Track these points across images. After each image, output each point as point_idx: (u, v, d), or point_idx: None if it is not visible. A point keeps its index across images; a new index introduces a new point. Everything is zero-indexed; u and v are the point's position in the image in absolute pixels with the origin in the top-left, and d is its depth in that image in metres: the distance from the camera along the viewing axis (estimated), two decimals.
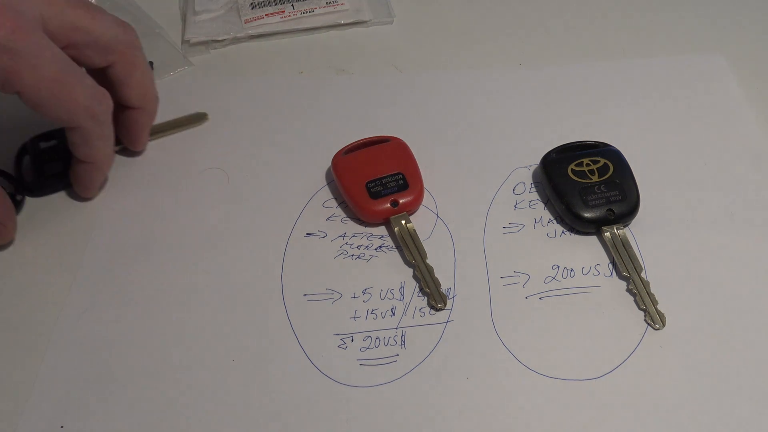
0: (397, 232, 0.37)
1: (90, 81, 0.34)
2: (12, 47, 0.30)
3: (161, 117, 0.43)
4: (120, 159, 0.43)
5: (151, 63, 0.49)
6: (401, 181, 0.38)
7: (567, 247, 0.37)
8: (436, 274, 0.36)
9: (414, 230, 0.37)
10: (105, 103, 0.36)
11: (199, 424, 0.32)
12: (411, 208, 0.38)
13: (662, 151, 0.41)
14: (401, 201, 0.37)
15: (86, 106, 0.34)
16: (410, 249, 0.36)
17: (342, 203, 0.40)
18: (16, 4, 0.31)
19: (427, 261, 0.36)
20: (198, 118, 0.45)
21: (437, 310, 0.35)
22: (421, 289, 0.36)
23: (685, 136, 0.42)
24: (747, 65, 0.47)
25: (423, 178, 0.39)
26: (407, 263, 0.36)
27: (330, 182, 0.41)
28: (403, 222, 0.37)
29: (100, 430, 0.32)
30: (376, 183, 0.38)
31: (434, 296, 0.35)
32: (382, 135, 0.41)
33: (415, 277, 0.36)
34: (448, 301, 0.35)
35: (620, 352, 0.33)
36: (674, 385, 0.32)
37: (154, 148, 0.44)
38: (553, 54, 0.49)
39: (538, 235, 0.38)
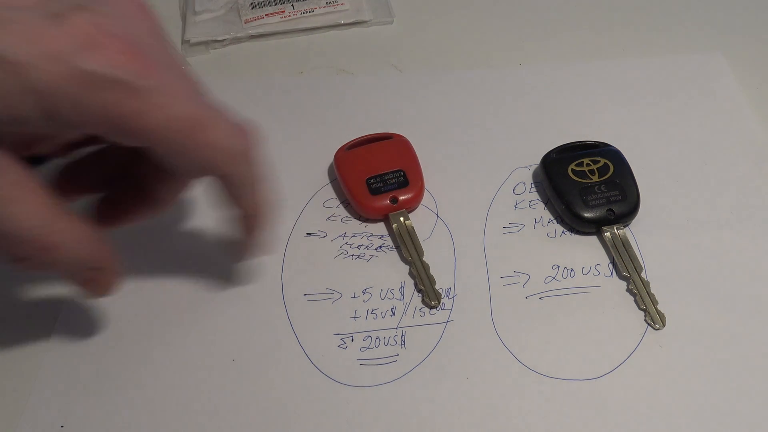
0: (395, 229, 0.37)
1: (229, 118, 0.28)
2: (138, 83, 0.24)
3: None
4: None
5: None
6: (402, 178, 0.38)
7: (567, 247, 0.37)
8: (436, 274, 0.36)
9: (412, 227, 0.37)
10: (249, 141, 0.29)
11: (198, 424, 0.32)
12: (411, 206, 0.38)
13: (662, 151, 0.41)
14: (401, 198, 0.38)
15: (228, 147, 0.28)
16: (407, 246, 0.36)
17: (344, 201, 0.40)
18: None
19: (424, 258, 0.36)
20: None
21: (431, 308, 0.35)
22: (416, 287, 0.36)
23: (685, 136, 0.42)
24: (746, 64, 0.47)
25: (423, 177, 0.39)
26: (406, 261, 0.36)
27: (332, 180, 0.41)
28: (401, 219, 0.37)
29: (100, 430, 0.32)
30: (377, 179, 0.38)
31: (428, 294, 0.35)
32: (385, 132, 0.41)
33: (411, 274, 0.36)
34: (443, 299, 0.35)
35: (620, 352, 0.33)
36: (674, 385, 0.32)
37: None
38: (553, 54, 0.49)
39: (538, 235, 0.38)
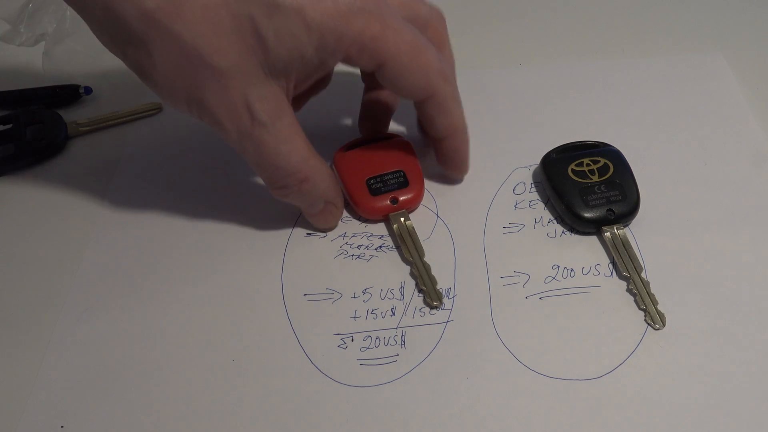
0: (395, 230, 0.37)
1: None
2: (378, 11, 0.31)
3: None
4: (121, 158, 0.44)
5: None
6: (401, 179, 0.38)
7: (567, 247, 0.37)
8: (437, 274, 0.35)
9: (413, 228, 0.37)
10: (450, 63, 0.37)
11: (199, 425, 0.32)
12: (411, 206, 0.38)
13: (662, 151, 0.41)
14: (401, 198, 0.38)
15: (439, 69, 0.33)
16: (408, 246, 0.36)
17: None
18: None
19: (425, 259, 0.36)
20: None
21: (433, 308, 0.35)
22: (417, 287, 0.36)
23: (685, 136, 0.42)
24: (746, 64, 0.47)
25: (423, 178, 0.39)
26: (406, 261, 0.36)
27: None
28: (402, 219, 0.37)
29: (100, 430, 0.32)
30: (377, 180, 0.38)
31: (430, 294, 0.35)
32: (384, 134, 0.41)
33: (412, 275, 0.36)
34: (445, 299, 0.35)
35: (620, 352, 0.33)
36: (674, 385, 0.32)
37: (151, 146, 0.44)
38: (553, 53, 0.49)
39: (538, 235, 0.38)
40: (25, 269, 0.38)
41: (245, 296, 0.36)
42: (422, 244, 0.37)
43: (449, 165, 0.39)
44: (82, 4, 0.30)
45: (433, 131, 0.37)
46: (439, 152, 0.38)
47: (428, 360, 0.33)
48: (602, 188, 0.38)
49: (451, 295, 0.35)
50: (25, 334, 0.35)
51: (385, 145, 0.40)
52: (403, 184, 0.38)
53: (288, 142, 0.32)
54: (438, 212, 0.39)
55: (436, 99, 0.34)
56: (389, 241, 0.38)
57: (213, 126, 0.32)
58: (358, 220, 0.39)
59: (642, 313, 0.34)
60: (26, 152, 0.43)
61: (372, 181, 0.38)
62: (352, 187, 0.38)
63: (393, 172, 0.38)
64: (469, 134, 0.38)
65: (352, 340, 0.34)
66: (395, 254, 0.37)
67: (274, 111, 0.31)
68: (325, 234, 0.38)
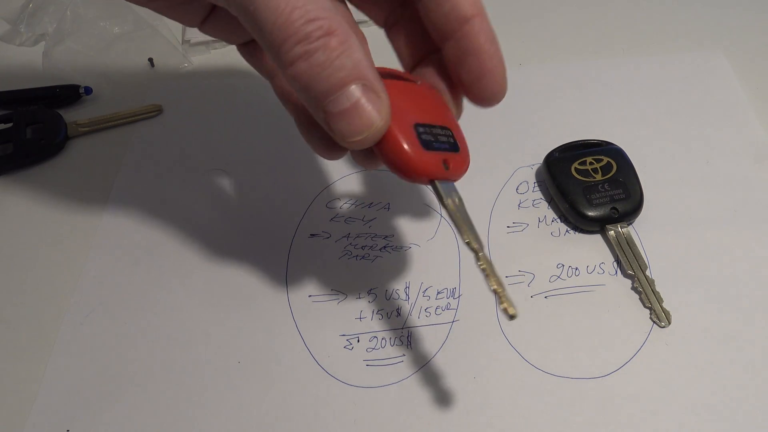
0: (449, 206, 0.26)
1: None
2: None
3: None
4: (121, 159, 0.43)
5: (150, 60, 0.49)
6: (452, 140, 0.27)
7: (571, 246, 0.37)
8: (439, 274, 0.35)
9: (463, 206, 0.27)
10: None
11: (205, 427, 0.31)
12: (458, 177, 0.28)
13: (665, 149, 0.41)
14: (451, 164, 0.27)
15: None
16: (467, 230, 0.26)
17: (347, 200, 0.39)
18: None
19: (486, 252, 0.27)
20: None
21: (511, 317, 0.25)
22: (486, 278, 0.26)
23: (687, 134, 0.42)
24: (747, 62, 0.47)
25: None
26: (466, 248, 0.28)
27: (336, 180, 0.40)
28: (454, 197, 0.27)
29: None
30: (426, 130, 0.26)
31: (507, 300, 0.25)
32: (405, 72, 0.30)
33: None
34: (450, 299, 0.35)
35: (626, 350, 0.33)
36: (681, 383, 0.32)
37: (151, 148, 0.44)
38: (554, 53, 0.49)
39: (542, 234, 0.38)
40: (25, 270, 0.38)
41: (250, 298, 0.36)
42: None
43: (477, 70, 0.27)
44: None
45: (444, 17, 0.27)
46: (457, 60, 0.27)
47: (434, 360, 0.33)
48: (605, 187, 0.38)
49: (456, 295, 0.35)
50: (28, 338, 0.35)
51: (424, 91, 0.28)
52: (454, 146, 0.27)
53: None
54: (441, 212, 0.39)
55: (469, 28, 0.26)
56: (393, 241, 0.38)
57: None
58: (362, 220, 0.39)
59: (647, 311, 0.34)
60: (26, 152, 0.43)
61: (422, 130, 0.26)
62: (396, 127, 0.25)
63: (442, 128, 0.27)
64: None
65: (358, 341, 0.34)
66: (400, 254, 0.37)
67: None
68: (329, 235, 0.38)
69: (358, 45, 0.24)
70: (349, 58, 0.23)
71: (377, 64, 0.26)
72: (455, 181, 0.27)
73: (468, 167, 0.28)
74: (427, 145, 0.26)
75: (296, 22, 0.22)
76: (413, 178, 0.26)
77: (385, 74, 0.27)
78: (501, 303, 0.25)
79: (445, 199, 0.26)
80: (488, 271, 0.26)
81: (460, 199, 0.27)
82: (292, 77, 0.23)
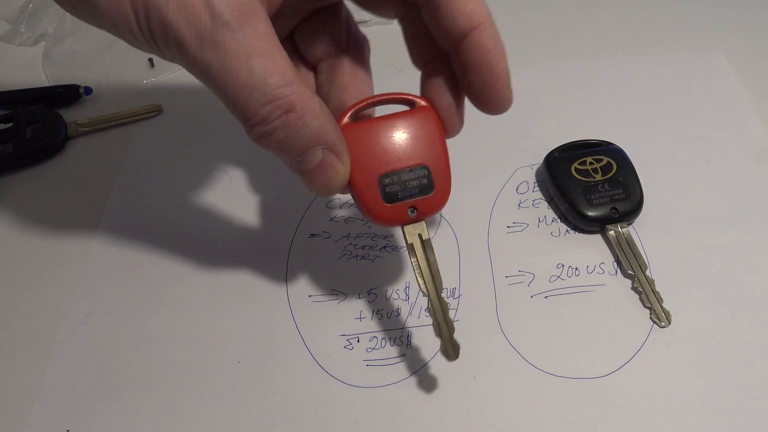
0: (408, 244, 0.30)
1: None
2: None
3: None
4: (121, 159, 0.43)
5: (150, 60, 0.49)
6: (425, 180, 0.29)
7: (571, 246, 0.37)
8: (442, 275, 0.35)
9: (431, 246, 0.30)
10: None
11: (205, 427, 0.31)
12: (432, 214, 0.30)
13: (665, 149, 0.41)
14: (421, 207, 0.29)
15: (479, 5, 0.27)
16: (423, 274, 0.30)
17: (347, 200, 0.39)
18: None
19: (442, 295, 0.30)
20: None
21: (449, 359, 0.29)
22: (433, 328, 0.29)
23: (687, 133, 0.42)
24: (747, 62, 0.47)
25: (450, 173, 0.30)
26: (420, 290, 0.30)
27: None
28: (419, 235, 0.29)
29: None
30: (393, 180, 0.28)
31: (446, 345, 0.29)
32: (404, 93, 0.30)
33: (428, 310, 0.30)
34: (450, 299, 0.35)
35: (626, 350, 0.33)
36: (681, 383, 0.32)
37: (151, 148, 0.44)
38: (554, 53, 0.49)
39: (542, 234, 0.38)
40: (25, 270, 0.38)
41: (250, 298, 0.36)
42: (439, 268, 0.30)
43: (482, 82, 0.28)
44: None
45: (448, 26, 0.27)
46: (462, 68, 0.28)
47: (435, 360, 0.33)
48: (606, 187, 0.38)
49: (456, 295, 0.35)
50: (28, 338, 0.35)
51: (405, 120, 0.29)
52: (427, 187, 0.29)
53: (263, 56, 0.24)
54: (441, 212, 0.39)
55: (477, 32, 0.27)
56: (393, 242, 0.38)
57: (169, 35, 0.24)
58: (362, 220, 0.39)
59: (647, 311, 0.34)
60: (25, 152, 0.43)
61: (387, 181, 0.28)
62: (360, 183, 0.28)
63: (415, 169, 0.29)
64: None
65: (358, 341, 0.34)
66: (400, 254, 0.37)
67: (239, 10, 0.24)
68: (329, 235, 0.38)
69: (318, 110, 0.26)
70: (308, 129, 0.26)
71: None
72: (424, 220, 0.30)
73: (443, 204, 0.29)
74: (390, 198, 0.28)
75: (255, 104, 0.25)
76: (380, 225, 0.31)
77: (363, 117, 0.30)
78: (442, 347, 0.29)
79: (407, 241, 0.29)
80: (433, 316, 0.29)
81: (428, 239, 0.29)
82: (260, 145, 0.26)
